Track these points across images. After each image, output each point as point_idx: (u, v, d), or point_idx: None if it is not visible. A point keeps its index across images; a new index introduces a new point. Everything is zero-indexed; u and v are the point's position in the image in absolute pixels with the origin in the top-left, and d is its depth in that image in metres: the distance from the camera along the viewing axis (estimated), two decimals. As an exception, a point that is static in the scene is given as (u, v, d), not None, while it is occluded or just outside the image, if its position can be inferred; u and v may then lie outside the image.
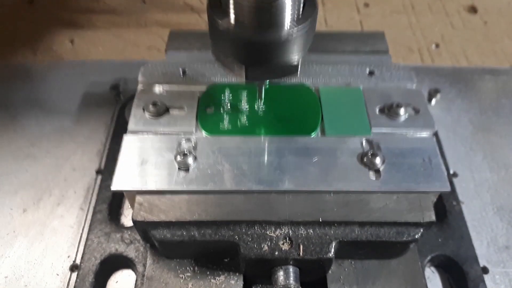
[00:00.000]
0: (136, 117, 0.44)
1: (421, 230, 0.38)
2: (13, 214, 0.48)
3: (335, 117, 0.44)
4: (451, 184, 0.49)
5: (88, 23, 0.75)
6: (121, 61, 0.65)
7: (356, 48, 0.52)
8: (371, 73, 0.48)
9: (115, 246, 0.44)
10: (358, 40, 0.53)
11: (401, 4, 0.80)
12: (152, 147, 0.41)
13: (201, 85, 0.47)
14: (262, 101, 0.44)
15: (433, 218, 0.37)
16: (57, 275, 0.44)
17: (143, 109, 0.44)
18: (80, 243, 0.46)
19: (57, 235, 0.46)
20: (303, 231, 0.37)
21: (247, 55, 0.35)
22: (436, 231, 0.46)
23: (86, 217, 0.47)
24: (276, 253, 0.36)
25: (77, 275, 0.42)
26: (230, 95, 0.46)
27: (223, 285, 0.40)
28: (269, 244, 0.37)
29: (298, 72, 0.37)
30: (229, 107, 0.45)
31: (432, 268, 0.45)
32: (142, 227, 0.38)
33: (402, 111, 0.44)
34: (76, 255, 0.45)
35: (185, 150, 0.40)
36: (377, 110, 0.45)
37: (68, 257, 0.45)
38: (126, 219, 0.48)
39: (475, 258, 0.44)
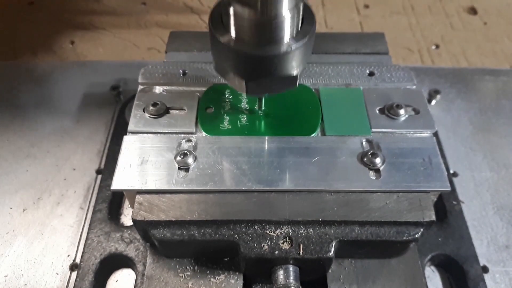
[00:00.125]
0: (136, 118, 0.44)
1: (421, 230, 0.38)
2: (13, 213, 0.48)
3: (335, 117, 0.44)
4: (451, 183, 0.49)
5: (88, 24, 0.75)
6: (121, 62, 0.66)
7: (356, 49, 0.52)
8: (371, 73, 0.48)
9: (115, 245, 0.44)
10: (358, 41, 0.53)
11: (401, 5, 0.80)
12: (152, 147, 0.41)
13: (201, 85, 0.47)
14: (262, 109, 0.44)
15: (433, 217, 0.37)
16: (57, 274, 0.44)
17: (143, 110, 0.44)
18: (80, 242, 0.46)
19: (57, 234, 0.46)
20: (303, 231, 0.37)
21: (247, 71, 0.36)
22: (436, 231, 0.46)
23: (86, 216, 0.48)
24: (276, 252, 0.36)
25: (77, 274, 0.42)
26: (230, 95, 0.46)
27: (223, 285, 0.40)
28: (269, 243, 0.37)
29: (297, 85, 0.38)
30: (229, 107, 0.45)
31: (432, 268, 0.45)
32: (142, 227, 0.38)
33: (402, 111, 0.44)
34: (76, 254, 0.45)
35: (185, 150, 0.40)
36: (377, 111, 0.45)
37: (68, 256, 0.45)
38: (126, 219, 0.48)
39: (475, 258, 0.44)
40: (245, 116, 0.44)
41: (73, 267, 0.44)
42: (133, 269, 0.44)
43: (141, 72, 0.48)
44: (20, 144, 0.54)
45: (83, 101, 0.59)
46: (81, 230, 0.47)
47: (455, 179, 0.51)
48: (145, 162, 0.40)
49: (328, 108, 0.45)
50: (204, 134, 0.43)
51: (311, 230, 0.37)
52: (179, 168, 0.39)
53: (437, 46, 0.72)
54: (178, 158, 0.40)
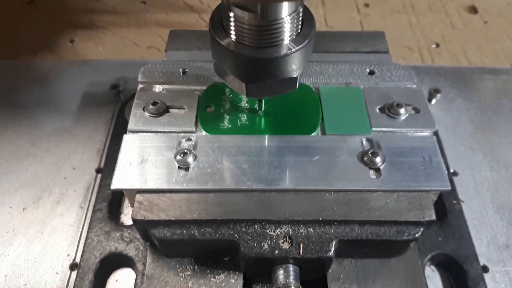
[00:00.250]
0: (136, 117, 0.44)
1: (421, 229, 0.38)
2: (12, 212, 0.48)
3: (335, 116, 0.44)
4: (451, 183, 0.49)
5: (88, 23, 0.75)
6: (121, 61, 0.65)
7: (357, 48, 0.52)
8: (371, 72, 0.48)
9: (115, 244, 0.44)
10: (358, 40, 0.53)
11: (401, 4, 0.80)
12: (152, 146, 0.41)
13: (201, 84, 0.47)
14: (262, 110, 0.44)
15: (433, 217, 0.37)
16: (57, 273, 0.44)
17: (143, 109, 0.44)
18: (80, 242, 0.46)
19: (57, 234, 0.46)
20: (303, 230, 0.37)
21: (247, 73, 0.36)
22: (436, 230, 0.46)
23: (86, 215, 0.48)
24: (276, 252, 0.36)
25: (77, 273, 0.42)
26: (230, 94, 0.46)
27: (223, 284, 0.40)
28: (269, 243, 0.37)
29: (297, 86, 0.38)
30: (229, 106, 0.45)
31: (432, 267, 0.45)
32: (142, 226, 0.38)
33: (402, 110, 0.44)
34: (76, 253, 0.45)
35: (185, 149, 0.40)
36: (377, 110, 0.45)
37: (68, 255, 0.45)
38: (126, 218, 0.48)
39: (475, 257, 0.44)
40: (245, 115, 0.44)
41: (73, 266, 0.44)
42: (133, 269, 0.44)
43: (141, 71, 0.48)
44: (20, 143, 0.54)
45: (83, 100, 0.59)
46: (81, 230, 0.47)
47: (455, 179, 0.51)
48: (145, 161, 0.40)
49: (328, 107, 0.45)
50: (204, 133, 0.43)
51: (311, 230, 0.37)
52: (179, 167, 0.39)
53: (437, 45, 0.72)
54: (178, 157, 0.40)
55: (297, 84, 0.38)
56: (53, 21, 0.75)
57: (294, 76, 0.37)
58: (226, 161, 0.40)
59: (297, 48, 0.35)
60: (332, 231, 0.37)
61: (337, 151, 0.41)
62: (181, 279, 0.40)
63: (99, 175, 0.51)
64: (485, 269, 0.44)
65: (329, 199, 0.38)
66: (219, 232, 0.37)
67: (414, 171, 0.39)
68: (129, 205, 0.47)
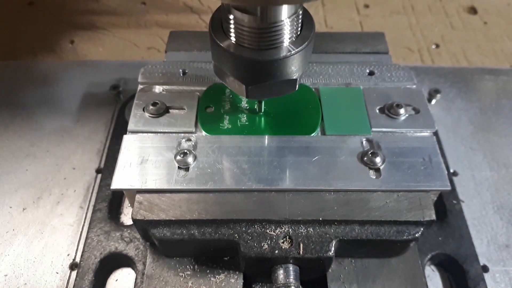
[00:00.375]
0: (136, 117, 0.44)
1: (421, 229, 0.38)
2: (12, 212, 0.48)
3: (335, 116, 0.44)
4: (451, 183, 0.49)
5: (88, 24, 0.75)
6: (121, 62, 0.65)
7: (356, 48, 0.52)
8: (371, 73, 0.48)
9: (115, 244, 0.44)
10: (358, 40, 0.53)
11: (401, 5, 0.80)
12: (152, 146, 0.41)
13: (201, 85, 0.47)
14: (262, 111, 0.45)
15: (433, 217, 0.37)
16: (57, 273, 0.44)
17: (143, 109, 0.44)
18: (80, 242, 0.46)
19: (57, 234, 0.46)
20: (303, 230, 0.37)
21: (247, 75, 0.37)
22: (436, 230, 0.46)
23: (86, 215, 0.48)
24: (276, 251, 0.36)
25: (77, 273, 0.42)
26: (230, 95, 0.46)
27: (223, 284, 0.40)
28: (269, 242, 0.37)
29: (297, 88, 0.38)
30: (229, 106, 0.45)
31: (432, 267, 0.45)
32: (142, 226, 0.38)
33: (402, 111, 0.44)
34: (76, 253, 0.45)
35: (185, 149, 0.40)
36: (377, 110, 0.45)
37: (68, 255, 0.45)
38: (126, 218, 0.48)
39: (475, 257, 0.44)
40: (245, 116, 0.44)
41: (73, 266, 0.44)
42: (133, 268, 0.44)
43: (141, 72, 0.48)
44: (20, 144, 0.54)
45: (83, 101, 0.59)
46: (81, 229, 0.47)
47: (455, 179, 0.51)
48: (145, 162, 0.40)
49: (328, 107, 0.45)
50: (204, 133, 0.43)
51: (311, 230, 0.37)
52: (179, 168, 0.39)
53: (437, 46, 0.72)
54: (178, 157, 0.40)
55: (297, 86, 0.38)
56: (53, 21, 0.75)
57: (294, 78, 0.37)
58: (226, 161, 0.40)
59: (296, 50, 0.35)
60: (332, 231, 0.37)
61: (337, 151, 0.41)
62: (181, 279, 0.40)
63: (99, 175, 0.51)
64: (485, 269, 0.44)
65: (329, 199, 0.38)
66: (219, 232, 0.37)
67: (414, 171, 0.40)
68: (129, 205, 0.47)
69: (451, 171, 0.52)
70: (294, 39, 0.36)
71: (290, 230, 0.37)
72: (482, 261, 0.45)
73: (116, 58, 0.69)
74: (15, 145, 0.54)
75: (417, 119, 0.44)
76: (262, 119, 0.44)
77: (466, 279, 0.43)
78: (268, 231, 0.37)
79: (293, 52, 0.35)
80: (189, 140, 0.42)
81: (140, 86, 0.47)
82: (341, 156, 0.41)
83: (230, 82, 0.38)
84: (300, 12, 0.35)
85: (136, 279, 0.43)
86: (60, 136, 0.55)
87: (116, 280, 0.44)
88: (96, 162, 0.52)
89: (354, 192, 0.39)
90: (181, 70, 0.48)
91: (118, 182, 0.39)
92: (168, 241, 0.38)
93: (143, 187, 0.38)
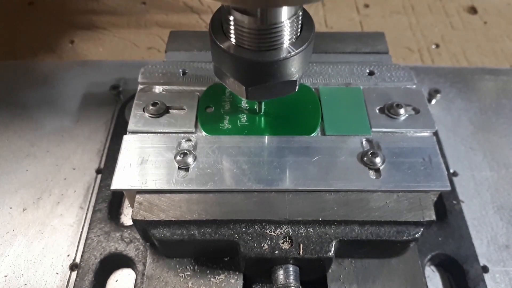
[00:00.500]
0: (136, 117, 0.44)
1: (421, 229, 0.38)
2: (12, 213, 0.48)
3: (335, 117, 0.44)
4: (451, 183, 0.49)
5: (88, 23, 0.75)
6: (121, 62, 0.65)
7: (356, 48, 0.52)
8: (371, 73, 0.48)
9: (115, 245, 0.44)
10: (358, 40, 0.53)
11: (401, 5, 0.80)
12: (152, 146, 0.41)
13: (201, 85, 0.47)
14: (262, 111, 0.45)
15: (433, 217, 0.37)
16: (57, 274, 0.44)
17: (143, 109, 0.44)
18: (80, 242, 0.46)
19: (57, 234, 0.46)
20: (303, 230, 0.37)
21: (247, 76, 0.37)
22: (436, 230, 0.46)
23: (86, 216, 0.48)
24: (276, 252, 0.36)
25: (77, 274, 0.42)
26: (230, 95, 0.46)
27: (223, 284, 0.40)
28: (269, 243, 0.37)
29: (297, 89, 0.39)
30: (229, 107, 0.45)
31: (432, 267, 0.45)
32: (142, 226, 0.38)
33: (402, 111, 0.44)
34: (76, 254, 0.45)
35: (185, 149, 0.40)
36: (377, 110, 0.45)
37: (68, 256, 0.45)
38: (126, 218, 0.48)
39: (475, 257, 0.44)
40: (245, 116, 0.44)
41: (73, 266, 0.44)
42: (133, 269, 0.44)
43: (141, 72, 0.48)
44: (20, 144, 0.54)
45: (83, 101, 0.59)
46: (81, 230, 0.47)
47: (455, 179, 0.51)
48: (145, 162, 0.40)
49: (328, 107, 0.45)
50: (204, 133, 0.43)
51: (311, 230, 0.37)
52: (179, 168, 0.39)
53: (437, 46, 0.72)
54: (178, 157, 0.40)
55: (297, 87, 0.38)
56: (53, 21, 0.75)
57: (294, 79, 0.37)
58: (226, 162, 0.40)
59: (296, 51, 0.35)
60: (332, 231, 0.37)
61: (337, 152, 0.41)
62: (181, 279, 0.40)
63: (99, 176, 0.51)
64: (485, 269, 0.44)
65: (329, 199, 0.38)
66: (219, 233, 0.37)
67: (414, 171, 0.40)
68: (129, 205, 0.47)
69: (451, 171, 0.52)
70: (294, 40, 0.36)
71: (290, 230, 0.37)
72: (482, 261, 0.45)
73: (116, 58, 0.69)
74: (15, 145, 0.54)
75: (417, 119, 0.44)
76: (262, 119, 0.44)
77: (466, 280, 0.43)
78: (268, 231, 0.37)
79: (293, 53, 0.35)
80: (189, 140, 0.42)
81: (140, 86, 0.47)
82: (341, 156, 0.41)
83: (230, 83, 0.38)
84: (300, 13, 0.35)
85: (136, 279, 0.43)
86: (60, 136, 0.55)
87: (116, 281, 0.44)
88: (96, 162, 0.52)
89: (354, 193, 0.39)
90: (181, 70, 0.48)
91: (118, 182, 0.39)
92: (168, 241, 0.38)
93: (143, 188, 0.38)
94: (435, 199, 0.40)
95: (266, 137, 0.42)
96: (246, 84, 0.37)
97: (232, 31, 0.35)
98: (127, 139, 0.42)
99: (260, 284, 0.42)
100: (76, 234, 0.46)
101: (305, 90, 0.47)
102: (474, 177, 0.52)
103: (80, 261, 0.43)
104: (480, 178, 0.52)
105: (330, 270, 0.40)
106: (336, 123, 0.44)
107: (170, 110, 0.44)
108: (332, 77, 0.48)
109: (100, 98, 0.59)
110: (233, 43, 0.36)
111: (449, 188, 0.39)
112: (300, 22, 0.36)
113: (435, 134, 0.43)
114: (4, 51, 0.70)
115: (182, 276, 0.40)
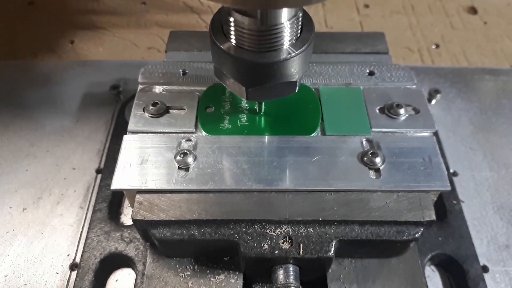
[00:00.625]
0: (136, 117, 0.44)
1: (421, 229, 0.38)
2: (12, 212, 0.48)
3: (335, 117, 0.44)
4: (451, 183, 0.49)
5: (88, 23, 0.75)
6: (121, 62, 0.65)
7: (356, 48, 0.52)
8: (371, 73, 0.48)
9: (115, 244, 0.44)
10: (358, 40, 0.53)
11: (401, 5, 0.80)
12: (152, 146, 0.41)
13: (201, 85, 0.47)
14: (262, 112, 0.45)
15: (433, 217, 0.37)
16: (57, 273, 0.44)
17: (143, 109, 0.44)
18: (80, 242, 0.46)
19: (57, 234, 0.46)
20: (303, 230, 0.37)
21: (247, 77, 0.37)
22: (436, 230, 0.46)
23: (86, 215, 0.48)
24: (276, 252, 0.36)
25: (77, 273, 0.42)
26: (230, 95, 0.46)
27: (223, 284, 0.40)
28: (269, 243, 0.37)
29: (297, 90, 0.39)
30: (229, 107, 0.45)
31: (432, 267, 0.45)
32: (142, 226, 0.38)
33: (402, 111, 0.44)
34: (76, 253, 0.45)
35: (185, 149, 0.40)
36: (377, 110, 0.45)
37: (68, 255, 0.45)
38: (126, 218, 0.48)
39: (475, 257, 0.44)
40: (245, 116, 0.44)
41: (73, 266, 0.44)
42: (133, 269, 0.44)
43: (141, 72, 0.48)
44: (20, 144, 0.54)
45: (83, 101, 0.59)
46: (81, 230, 0.47)
47: (455, 179, 0.51)
48: (145, 162, 0.40)
49: (328, 107, 0.45)
50: (204, 133, 0.43)
51: (311, 230, 0.37)
52: (179, 168, 0.39)
53: (437, 46, 0.72)
54: (178, 157, 0.40)
55: (297, 88, 0.38)
56: (53, 21, 0.75)
57: (294, 80, 0.37)
58: (226, 162, 0.40)
59: (296, 52, 0.35)
60: (332, 231, 0.37)
61: (337, 152, 0.41)
62: (181, 279, 0.40)
63: (99, 176, 0.51)
64: (485, 269, 0.44)
65: (329, 199, 0.38)
66: (219, 232, 0.37)
67: (414, 171, 0.40)
68: (129, 205, 0.47)
69: (451, 171, 0.52)
70: (294, 42, 0.36)
71: (290, 230, 0.37)
72: (482, 261, 0.45)
73: (116, 58, 0.69)
74: (15, 145, 0.54)
75: (417, 119, 0.44)
76: (262, 119, 0.44)
77: (466, 279, 0.43)
78: (268, 231, 0.37)
79: (293, 54, 0.35)
80: (189, 140, 0.42)
81: (140, 86, 0.47)
82: (341, 156, 0.41)
83: (231, 84, 0.39)
84: (300, 14, 0.35)
85: (136, 279, 0.43)
86: (60, 136, 0.55)
87: (116, 281, 0.44)
88: (96, 162, 0.52)
89: (354, 192, 0.39)
90: (181, 70, 0.48)
91: (118, 182, 0.39)
92: (168, 241, 0.38)
93: (143, 187, 0.38)
94: (435, 199, 0.40)
95: (266, 137, 0.42)
96: (246, 85, 0.37)
97: (232, 32, 0.35)
98: (127, 139, 0.42)
99: (260, 284, 0.42)
100: (76, 234, 0.46)
101: (305, 90, 0.47)
102: (474, 177, 0.52)
103: (80, 261, 0.43)
104: (480, 178, 0.52)
105: (330, 270, 0.40)
106: (336, 123, 0.44)
107: (170, 110, 0.44)
108: (332, 77, 0.48)
109: (100, 98, 0.59)
110: (233, 44, 0.36)
111: (449, 188, 0.39)
112: (300, 23, 0.36)
113: (435, 134, 0.43)
114: (4, 51, 0.70)
115: (182, 276, 0.40)
